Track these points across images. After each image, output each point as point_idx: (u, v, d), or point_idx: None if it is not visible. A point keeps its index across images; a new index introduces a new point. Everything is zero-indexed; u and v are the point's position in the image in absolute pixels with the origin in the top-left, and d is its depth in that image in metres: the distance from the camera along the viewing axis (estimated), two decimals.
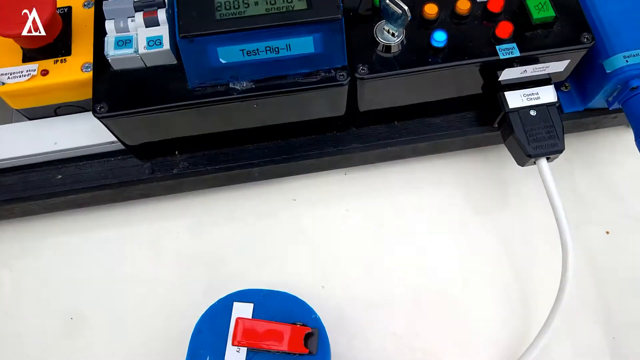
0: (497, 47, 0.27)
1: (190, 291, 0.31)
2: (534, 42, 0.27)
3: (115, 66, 0.26)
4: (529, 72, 0.28)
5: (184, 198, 0.33)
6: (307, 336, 0.25)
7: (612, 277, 0.31)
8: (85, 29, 0.29)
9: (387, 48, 0.27)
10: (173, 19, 0.25)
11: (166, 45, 0.26)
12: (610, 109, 0.31)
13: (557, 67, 0.29)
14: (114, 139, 0.29)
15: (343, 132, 0.31)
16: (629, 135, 0.35)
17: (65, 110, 0.30)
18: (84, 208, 0.33)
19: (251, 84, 0.26)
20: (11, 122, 0.31)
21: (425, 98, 0.30)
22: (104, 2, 0.26)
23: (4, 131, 0.30)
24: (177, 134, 0.29)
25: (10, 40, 0.28)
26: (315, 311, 0.26)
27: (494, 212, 0.33)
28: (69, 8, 0.30)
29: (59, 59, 0.28)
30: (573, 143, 0.34)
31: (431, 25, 0.28)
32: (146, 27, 0.26)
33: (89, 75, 0.28)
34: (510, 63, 0.28)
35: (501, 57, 0.27)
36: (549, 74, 0.29)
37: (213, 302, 0.27)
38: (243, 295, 0.27)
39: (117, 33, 0.26)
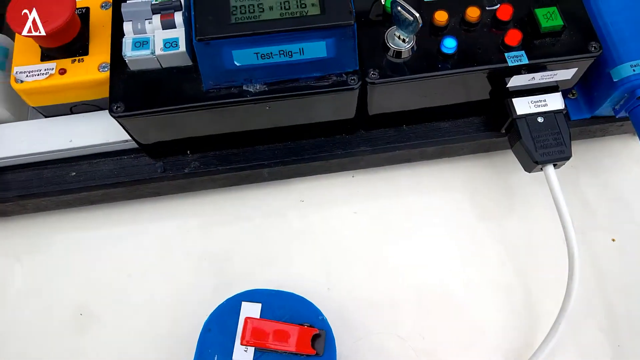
0: (505, 54, 0.28)
1: (199, 289, 0.31)
2: (542, 50, 0.28)
3: (132, 67, 0.27)
4: (537, 79, 0.29)
5: (194, 197, 0.34)
6: (315, 337, 0.25)
7: (618, 284, 0.31)
8: (103, 30, 0.30)
9: (398, 53, 0.28)
10: (189, 21, 0.26)
11: (182, 47, 0.26)
12: (617, 117, 0.31)
13: (565, 75, 0.29)
14: (127, 137, 0.29)
15: (352, 135, 0.32)
16: (635, 143, 0.35)
17: (81, 109, 0.31)
18: (96, 205, 0.33)
19: (264, 86, 0.27)
20: (27, 119, 0.32)
21: (434, 103, 0.30)
22: (122, 3, 0.27)
23: (20, 128, 0.31)
24: (190, 134, 0.29)
25: (30, 39, 0.29)
26: (322, 312, 0.27)
27: (500, 217, 0.33)
28: (87, 9, 0.30)
29: (77, 58, 0.29)
30: (579, 150, 0.35)
31: (441, 32, 0.28)
32: (163, 29, 0.27)
33: (105, 75, 0.28)
34: (519, 70, 0.28)
35: (510, 64, 0.28)
36: (556, 81, 0.30)
37: (222, 301, 0.27)
38: (251, 295, 0.27)
39: (134, 34, 0.27)
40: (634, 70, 0.28)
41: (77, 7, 0.30)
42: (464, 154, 0.34)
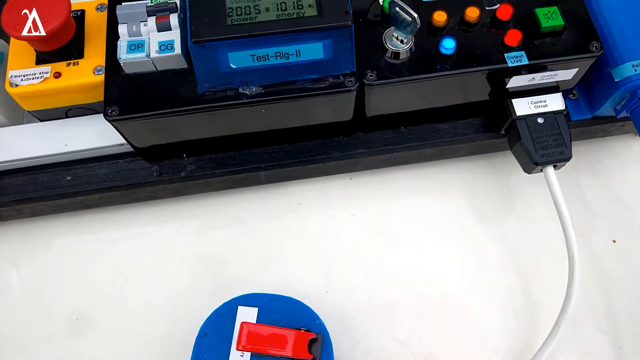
0: (505, 54, 0.27)
1: (196, 293, 0.31)
2: (543, 50, 0.28)
3: (127, 70, 0.27)
4: (537, 79, 0.29)
5: (190, 200, 0.34)
6: (311, 342, 0.25)
7: (618, 286, 0.31)
8: (98, 32, 0.29)
9: (396, 55, 0.27)
10: (185, 24, 0.26)
11: (177, 49, 0.26)
12: (618, 117, 0.31)
13: (566, 75, 0.29)
14: (123, 141, 0.29)
15: (350, 137, 0.32)
16: (636, 143, 0.35)
17: (76, 112, 0.31)
18: (92, 209, 0.33)
19: (260, 89, 0.27)
20: (22, 123, 0.32)
21: (433, 104, 0.30)
22: (117, 6, 0.27)
23: (15, 132, 0.30)
24: (186, 137, 0.29)
25: (24, 43, 0.28)
26: (319, 316, 0.26)
27: (499, 218, 0.33)
28: (82, 11, 0.30)
29: (72, 61, 0.29)
30: (580, 151, 0.34)
31: (440, 32, 0.28)
32: (158, 31, 0.26)
33: (100, 78, 0.28)
34: (519, 71, 0.28)
35: (509, 64, 0.27)
36: (557, 81, 0.29)
37: (218, 305, 0.27)
38: (248, 300, 0.27)
39: (129, 37, 0.27)
40: (635, 70, 0.28)
41: (72, 9, 0.30)
42: (463, 156, 0.34)
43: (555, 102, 0.29)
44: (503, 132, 0.31)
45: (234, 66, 0.25)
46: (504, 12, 0.28)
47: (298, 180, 0.34)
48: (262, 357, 0.25)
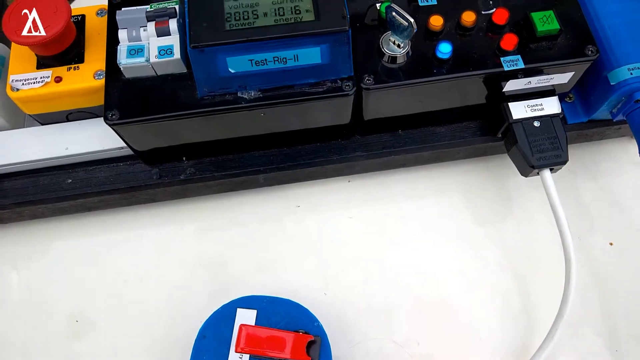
0: (501, 58, 0.28)
1: (195, 296, 0.31)
2: (539, 54, 0.28)
3: (127, 74, 0.27)
4: (533, 83, 0.29)
5: (190, 203, 0.34)
6: (310, 344, 0.25)
7: (615, 288, 0.31)
8: (98, 37, 0.30)
9: (393, 59, 0.27)
10: (184, 29, 0.26)
11: (177, 54, 0.26)
12: (614, 120, 0.31)
13: (562, 78, 0.29)
14: (123, 144, 0.29)
15: (348, 140, 0.32)
16: (632, 146, 0.35)
17: (77, 116, 0.31)
18: (92, 212, 0.33)
19: (259, 93, 0.27)
20: (24, 127, 0.32)
21: (430, 108, 0.30)
22: (117, 11, 0.27)
23: (16, 136, 0.31)
24: (185, 141, 0.29)
25: (26, 47, 0.29)
26: (317, 318, 0.27)
27: (496, 221, 0.33)
28: (83, 16, 0.30)
29: (72, 66, 0.29)
30: (577, 154, 0.35)
31: (437, 36, 0.28)
32: (158, 36, 0.27)
33: (100, 82, 0.28)
34: (515, 74, 0.28)
35: (505, 68, 0.28)
36: (553, 85, 0.29)
37: (217, 307, 0.27)
38: (247, 302, 0.27)
39: (129, 42, 0.27)
40: (631, 74, 0.28)
41: (73, 14, 0.30)
42: (460, 159, 0.34)
43: (551, 106, 0.30)
44: (500, 136, 0.31)
45: (232, 71, 0.26)
46: (500, 16, 0.28)
47: (297, 183, 0.34)
48: (261, 359, 0.25)
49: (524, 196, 0.34)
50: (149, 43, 0.27)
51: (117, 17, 0.27)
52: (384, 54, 0.27)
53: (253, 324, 0.26)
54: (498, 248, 0.32)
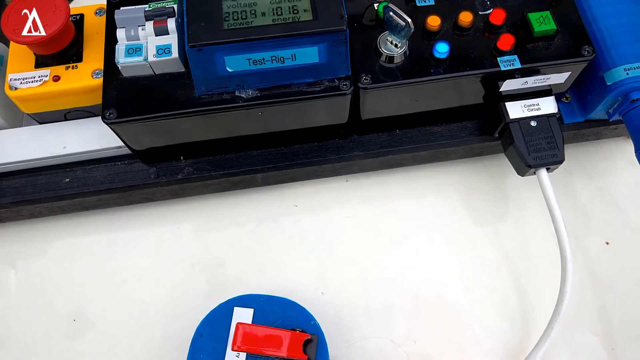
0: (498, 58, 0.28)
1: (192, 295, 0.31)
2: (535, 54, 0.28)
3: (125, 73, 0.27)
4: (530, 83, 0.29)
5: (187, 202, 0.34)
6: (306, 342, 0.25)
7: (611, 287, 0.31)
8: (97, 36, 0.30)
9: (390, 58, 0.28)
10: (182, 28, 0.26)
11: (175, 53, 0.26)
12: (610, 120, 0.31)
13: (558, 78, 0.29)
14: (121, 143, 0.29)
15: (345, 140, 0.32)
16: (629, 146, 0.35)
17: (75, 115, 0.31)
18: (90, 211, 0.33)
19: (256, 92, 0.27)
20: (22, 125, 0.32)
21: (427, 107, 0.30)
22: (115, 10, 0.27)
23: (14, 134, 0.31)
24: (183, 140, 0.29)
25: (24, 46, 0.29)
26: (315, 317, 0.27)
27: (494, 221, 0.33)
28: (81, 16, 0.30)
29: (70, 65, 0.29)
30: (573, 154, 0.35)
31: (434, 36, 0.28)
32: (156, 35, 0.27)
33: (99, 81, 0.28)
34: (512, 74, 0.28)
35: (502, 68, 0.28)
36: (549, 85, 0.30)
37: (214, 306, 0.27)
38: (244, 300, 0.27)
39: (127, 41, 0.27)
40: (627, 74, 0.28)
41: (72, 14, 0.30)
42: (458, 158, 0.34)
43: (548, 106, 0.30)
44: (497, 135, 0.31)
45: (230, 70, 0.26)
46: (497, 16, 0.28)
47: (294, 182, 0.34)
48: (258, 358, 0.25)
49: (521, 196, 0.34)
50: (147, 42, 0.27)
51: (115, 16, 0.27)
52: (382, 53, 0.28)
53: (250, 322, 0.26)
54: (495, 247, 0.33)
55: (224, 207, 0.34)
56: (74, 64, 0.29)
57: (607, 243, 0.33)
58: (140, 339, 0.30)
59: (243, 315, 0.27)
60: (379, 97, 0.28)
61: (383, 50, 0.28)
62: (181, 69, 0.27)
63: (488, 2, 0.29)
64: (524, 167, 0.29)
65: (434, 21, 0.28)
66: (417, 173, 0.34)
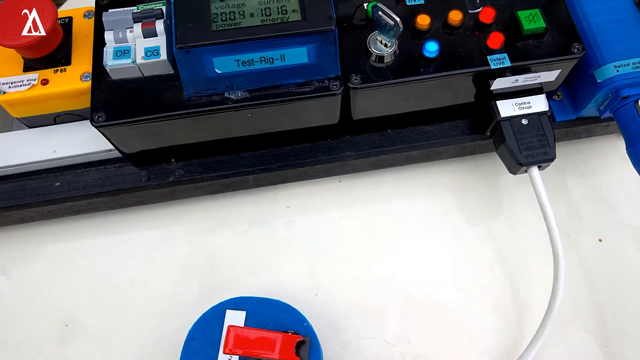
0: (488, 57, 0.28)
1: (185, 298, 0.31)
2: (525, 52, 0.28)
3: (114, 76, 0.27)
4: (521, 81, 0.29)
5: (179, 205, 0.34)
6: (299, 344, 0.25)
7: (605, 284, 0.31)
8: (86, 39, 0.29)
9: (380, 58, 0.28)
10: (170, 30, 0.26)
11: (163, 55, 0.26)
12: (602, 117, 0.31)
13: (548, 76, 0.29)
14: (111, 147, 0.29)
15: (337, 140, 0.32)
16: (620, 143, 0.35)
17: (65, 119, 0.31)
18: (80, 215, 0.33)
19: (246, 93, 0.27)
20: (11, 130, 0.32)
21: (418, 107, 0.30)
22: (103, 13, 0.27)
23: (4, 139, 0.31)
24: (173, 142, 0.29)
25: (12, 50, 0.29)
26: (308, 318, 0.27)
27: (487, 219, 0.33)
28: (70, 18, 0.30)
29: (59, 68, 0.29)
30: (566, 151, 0.35)
31: (424, 35, 0.28)
32: (144, 37, 0.27)
33: (88, 84, 0.28)
34: (502, 73, 0.28)
35: (492, 67, 0.28)
36: (540, 83, 0.30)
37: (207, 309, 0.27)
38: (236, 303, 0.27)
39: (115, 43, 0.27)
40: (617, 71, 0.28)
41: (60, 16, 0.30)
42: (450, 157, 0.34)
43: (539, 104, 0.30)
44: (488, 134, 0.31)
45: (219, 71, 0.26)
46: (487, 15, 0.28)
47: (286, 183, 0.34)
48: None
49: (514, 194, 0.34)
50: (135, 44, 0.27)
51: (103, 19, 0.27)
52: (372, 53, 0.27)
53: (242, 325, 0.26)
54: (488, 246, 0.32)
55: (215, 209, 0.34)
56: (63, 67, 0.29)
57: (600, 240, 0.33)
58: (132, 343, 0.30)
59: (235, 318, 0.26)
60: (369, 97, 0.28)
61: (373, 49, 0.27)
62: (170, 70, 0.27)
63: (478, 1, 0.29)
64: (516, 165, 0.29)
65: (423, 20, 0.28)
66: (409, 173, 0.34)
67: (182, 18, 0.25)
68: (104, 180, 0.31)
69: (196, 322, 0.27)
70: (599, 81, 0.29)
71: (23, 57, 0.29)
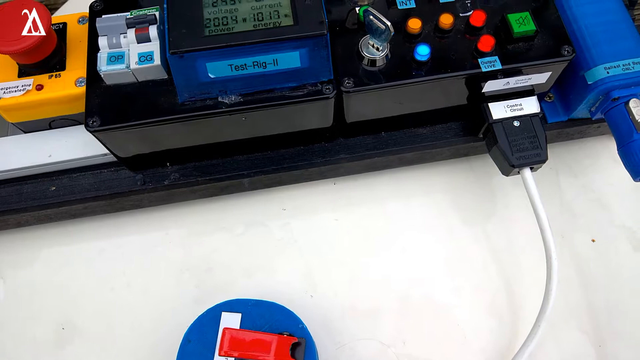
0: (479, 60, 0.28)
1: (181, 300, 0.31)
2: (516, 55, 0.28)
3: (108, 81, 0.27)
4: (512, 83, 0.29)
5: (175, 208, 0.34)
6: (294, 346, 0.25)
7: (598, 285, 0.31)
8: (80, 45, 0.30)
9: (372, 62, 0.28)
10: (164, 35, 0.26)
11: (157, 60, 0.27)
12: (593, 119, 0.32)
13: (539, 78, 0.29)
14: (106, 151, 0.29)
15: (331, 143, 0.32)
16: (612, 144, 0.35)
17: (60, 124, 0.31)
18: (77, 219, 0.33)
19: (239, 97, 0.27)
20: (7, 135, 0.32)
21: (411, 109, 0.31)
22: (97, 18, 0.27)
23: None
24: (168, 146, 0.29)
25: (7, 56, 0.29)
26: (303, 320, 0.27)
27: (481, 220, 0.33)
28: (64, 24, 0.30)
29: (54, 74, 0.29)
30: (558, 152, 0.35)
31: (415, 39, 0.28)
32: (138, 43, 0.27)
33: (82, 89, 0.28)
34: (493, 75, 0.28)
35: (483, 70, 0.28)
36: (531, 85, 0.30)
37: (202, 312, 0.27)
38: (231, 305, 0.27)
39: (109, 49, 0.27)
40: (607, 73, 0.29)
41: (54, 22, 0.30)
42: (444, 159, 0.35)
43: (530, 106, 0.30)
44: (481, 136, 0.32)
45: (212, 76, 0.26)
46: (477, 18, 0.28)
47: (282, 186, 0.34)
48: None
49: (508, 195, 0.34)
50: (129, 49, 0.27)
51: (96, 24, 0.27)
52: (364, 57, 0.28)
53: (238, 327, 0.26)
54: (483, 247, 0.33)
55: (211, 212, 0.34)
56: (57, 73, 0.29)
57: (593, 240, 0.33)
58: (128, 346, 0.30)
59: (231, 320, 0.27)
60: (362, 100, 0.29)
61: (365, 53, 0.28)
62: (164, 75, 0.27)
63: (468, 4, 0.29)
64: (508, 167, 0.29)
65: (414, 24, 0.28)
66: (403, 175, 0.35)
67: (175, 23, 0.25)
68: (99, 184, 0.31)
69: (192, 325, 0.27)
70: (589, 83, 0.29)
71: (18, 63, 0.29)
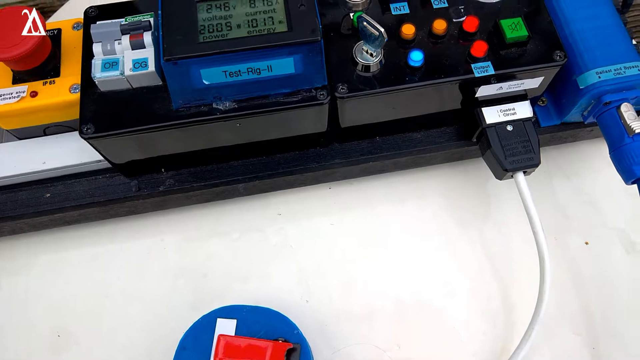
0: (472, 65, 0.28)
1: (176, 307, 0.31)
2: (508, 60, 0.28)
3: (102, 88, 0.27)
4: (505, 88, 0.29)
5: (170, 214, 0.34)
6: (289, 352, 0.26)
7: (591, 287, 0.32)
8: (74, 51, 0.30)
9: (366, 67, 0.28)
10: (158, 41, 0.26)
11: (151, 67, 0.27)
12: (585, 122, 0.32)
13: (532, 83, 0.30)
14: (101, 157, 0.29)
15: (326, 148, 0.32)
16: (605, 147, 0.35)
17: (54, 130, 0.31)
18: (72, 226, 0.33)
19: (234, 104, 0.27)
20: (1, 142, 0.32)
21: (405, 114, 0.31)
22: (91, 25, 0.27)
23: None
24: (163, 153, 0.29)
25: (0, 62, 0.29)
26: (299, 326, 0.27)
27: (475, 224, 0.34)
28: (59, 30, 0.30)
29: (48, 80, 0.29)
30: (551, 156, 0.35)
31: (409, 44, 0.29)
32: (132, 49, 0.27)
33: (77, 96, 0.28)
34: (486, 80, 0.28)
35: (476, 75, 0.28)
36: (524, 90, 0.30)
37: (198, 318, 0.27)
38: (227, 312, 0.27)
39: (104, 55, 0.27)
40: (599, 77, 0.29)
41: (49, 28, 0.30)
42: (438, 163, 0.35)
43: (523, 110, 0.30)
44: (474, 140, 0.32)
45: (207, 82, 0.26)
46: (470, 24, 0.29)
47: (277, 191, 0.34)
48: None
49: (502, 199, 0.34)
50: (123, 56, 0.27)
51: (91, 31, 0.27)
52: (358, 62, 0.28)
53: (233, 333, 0.26)
54: (477, 250, 0.33)
55: (207, 217, 0.34)
56: (52, 79, 0.29)
57: (587, 243, 0.33)
58: (124, 353, 0.30)
59: (226, 327, 0.27)
60: (356, 106, 0.29)
61: (359, 59, 0.28)
62: (158, 82, 0.27)
63: (462, 10, 0.30)
64: (501, 171, 0.30)
65: (408, 30, 0.28)
66: (398, 179, 0.35)
67: (169, 30, 0.25)
68: (94, 191, 0.31)
69: (187, 331, 0.27)
70: (581, 87, 0.29)
71: (12, 70, 0.29)
